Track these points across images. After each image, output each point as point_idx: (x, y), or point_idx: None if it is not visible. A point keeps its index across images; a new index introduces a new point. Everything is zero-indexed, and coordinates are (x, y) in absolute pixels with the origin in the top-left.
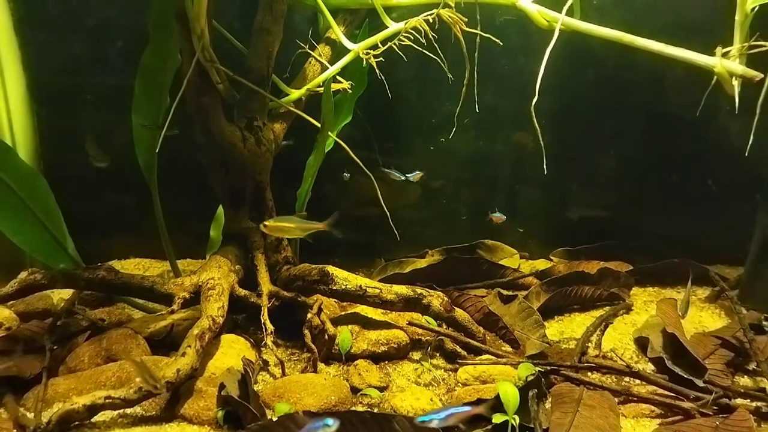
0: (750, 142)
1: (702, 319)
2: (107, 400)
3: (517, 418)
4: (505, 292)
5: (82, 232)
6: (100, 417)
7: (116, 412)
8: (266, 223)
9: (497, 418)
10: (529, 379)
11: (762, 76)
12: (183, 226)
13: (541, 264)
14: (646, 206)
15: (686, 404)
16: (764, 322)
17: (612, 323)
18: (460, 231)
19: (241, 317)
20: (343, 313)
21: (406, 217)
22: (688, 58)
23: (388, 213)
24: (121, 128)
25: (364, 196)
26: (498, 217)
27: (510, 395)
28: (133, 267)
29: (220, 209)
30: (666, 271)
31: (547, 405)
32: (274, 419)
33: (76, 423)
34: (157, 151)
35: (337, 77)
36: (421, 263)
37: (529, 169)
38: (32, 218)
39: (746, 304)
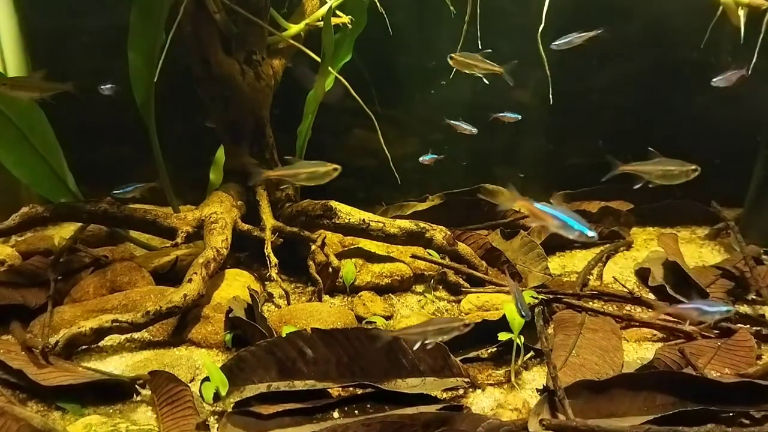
0: (753, 61)
1: (702, 255)
2: (114, 324)
3: (522, 337)
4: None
5: (81, 179)
6: (108, 341)
7: (124, 337)
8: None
9: (503, 336)
10: (533, 303)
11: None
12: (182, 174)
13: None
14: (647, 149)
15: (688, 328)
16: (764, 256)
17: (613, 257)
18: (460, 177)
19: (243, 255)
20: (346, 248)
21: (406, 164)
22: None
23: (389, 156)
24: (117, 67)
25: (365, 144)
26: None
27: (516, 314)
28: None
29: (220, 151)
30: (666, 211)
31: (550, 330)
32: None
33: (84, 347)
34: (155, 79)
35: (337, 12)
36: (422, 206)
37: (530, 113)
38: (32, 151)
39: (746, 239)
